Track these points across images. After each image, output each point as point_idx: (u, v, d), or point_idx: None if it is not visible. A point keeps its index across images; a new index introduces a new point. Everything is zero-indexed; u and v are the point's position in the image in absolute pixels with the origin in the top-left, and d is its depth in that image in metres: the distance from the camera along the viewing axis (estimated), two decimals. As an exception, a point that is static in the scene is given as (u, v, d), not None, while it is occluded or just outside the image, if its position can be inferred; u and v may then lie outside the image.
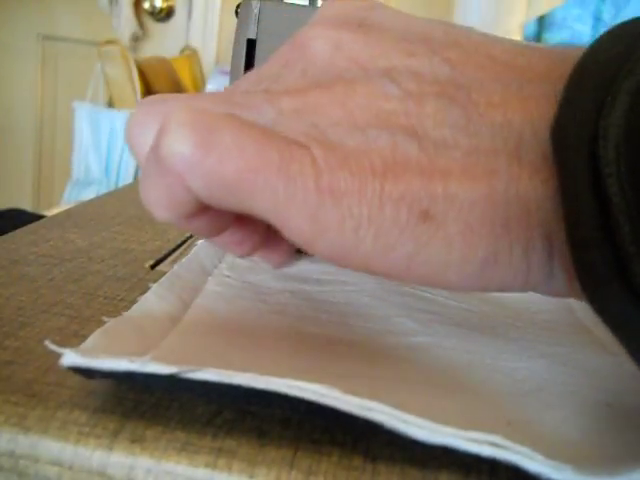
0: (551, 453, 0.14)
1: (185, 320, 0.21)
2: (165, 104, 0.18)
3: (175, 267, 0.25)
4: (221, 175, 0.15)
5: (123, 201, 0.41)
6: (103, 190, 1.79)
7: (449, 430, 0.14)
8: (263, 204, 0.16)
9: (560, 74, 0.16)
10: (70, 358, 0.16)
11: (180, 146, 0.15)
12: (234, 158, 0.15)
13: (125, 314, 0.20)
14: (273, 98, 0.17)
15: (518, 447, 0.14)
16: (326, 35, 0.18)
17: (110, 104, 2.02)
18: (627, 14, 2.11)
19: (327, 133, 0.16)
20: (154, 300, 0.22)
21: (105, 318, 0.19)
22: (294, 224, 0.16)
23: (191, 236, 0.34)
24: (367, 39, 0.17)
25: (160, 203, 0.17)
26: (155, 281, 0.23)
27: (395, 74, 0.17)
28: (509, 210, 0.15)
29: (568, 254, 0.15)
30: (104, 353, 0.16)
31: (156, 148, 0.16)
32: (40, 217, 0.55)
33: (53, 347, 0.16)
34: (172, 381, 0.16)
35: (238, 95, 0.17)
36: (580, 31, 2.23)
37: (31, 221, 0.34)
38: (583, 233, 0.14)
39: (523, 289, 0.16)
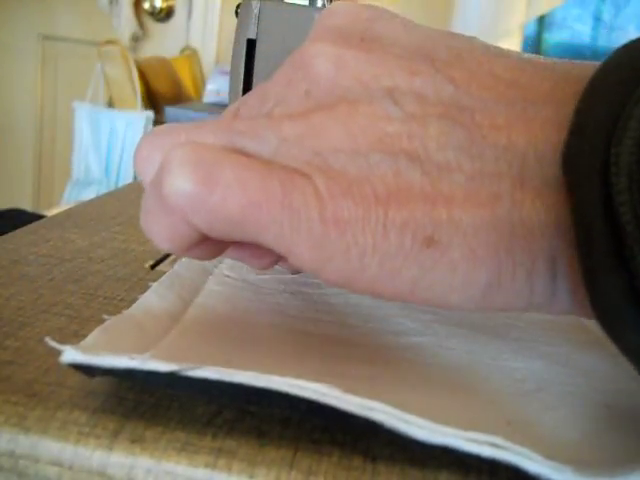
0: (551, 453, 0.14)
1: (185, 319, 0.21)
2: (170, 136, 0.18)
3: (175, 266, 0.25)
4: (225, 212, 0.15)
5: (123, 201, 0.41)
6: (103, 190, 1.79)
7: (449, 430, 0.14)
8: (268, 236, 0.16)
9: (564, 95, 0.16)
10: (70, 355, 0.16)
11: (183, 184, 0.15)
12: (237, 194, 0.15)
13: (125, 312, 0.20)
14: (275, 124, 0.17)
15: (518, 448, 0.14)
16: (329, 52, 0.17)
17: (110, 104, 2.02)
18: (627, 14, 2.11)
19: (329, 160, 0.16)
20: (154, 299, 0.22)
21: (105, 316, 0.19)
22: (300, 254, 0.16)
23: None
24: (370, 56, 0.17)
25: (162, 237, 0.17)
26: (155, 281, 0.23)
27: (398, 95, 0.16)
28: (513, 235, 0.15)
29: (579, 280, 0.15)
30: (104, 350, 0.16)
31: (158, 185, 0.16)
32: (40, 217, 0.55)
33: (53, 344, 0.16)
34: (172, 379, 0.16)
35: (240, 122, 0.17)
36: (580, 31, 2.23)
37: (31, 221, 0.34)
38: (596, 261, 0.14)
39: (526, 310, 0.16)
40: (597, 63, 0.16)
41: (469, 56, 0.17)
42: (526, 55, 0.18)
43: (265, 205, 0.15)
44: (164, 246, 0.17)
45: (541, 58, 0.17)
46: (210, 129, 0.18)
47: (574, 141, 0.15)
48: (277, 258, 0.21)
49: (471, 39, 0.18)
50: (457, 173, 0.15)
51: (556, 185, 0.15)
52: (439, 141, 0.16)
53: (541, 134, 0.15)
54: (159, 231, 0.17)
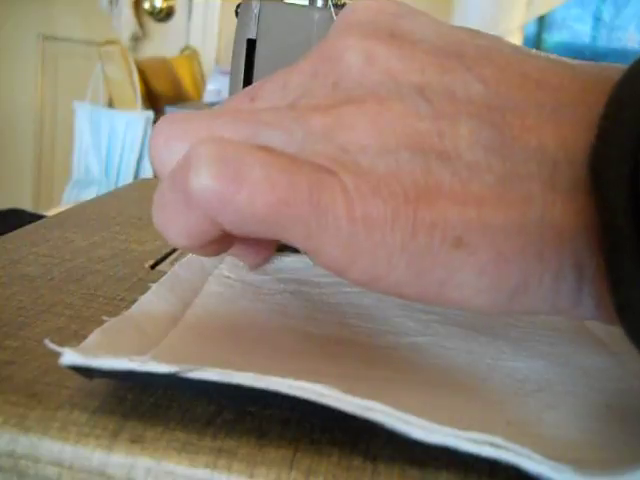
0: (551, 453, 0.14)
1: (185, 320, 0.21)
2: (189, 124, 0.18)
3: (175, 267, 0.25)
4: (252, 210, 0.15)
5: (123, 201, 0.41)
6: (103, 190, 1.79)
7: (449, 430, 0.14)
8: (294, 234, 0.16)
9: (595, 97, 0.16)
10: (69, 357, 0.16)
11: (210, 182, 0.15)
12: (265, 193, 0.15)
13: (125, 313, 0.20)
14: (302, 116, 0.16)
15: (518, 448, 0.14)
16: (359, 46, 0.17)
17: (110, 104, 2.02)
18: (627, 14, 2.11)
19: (357, 157, 0.16)
20: (154, 300, 0.22)
21: (105, 317, 0.19)
22: (326, 253, 0.16)
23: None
24: (401, 52, 0.17)
25: (179, 233, 0.17)
26: (155, 281, 0.23)
27: (429, 92, 0.16)
28: (542, 239, 0.15)
29: (605, 287, 0.14)
30: (104, 352, 0.16)
31: (182, 181, 0.16)
32: (40, 217, 0.55)
33: (52, 346, 0.16)
34: (172, 380, 0.16)
35: (265, 113, 0.17)
36: (580, 31, 2.23)
37: (31, 221, 0.34)
38: (623, 267, 0.14)
39: (549, 314, 0.16)
40: (624, 66, 0.16)
41: (498, 55, 0.17)
42: (554, 56, 0.17)
43: (293, 204, 0.15)
44: (180, 242, 0.17)
45: (569, 60, 0.17)
46: (231, 118, 0.17)
47: (601, 146, 0.14)
48: (271, 254, 0.21)
49: (499, 38, 0.18)
50: (487, 174, 0.15)
51: (586, 188, 0.15)
52: (469, 140, 0.15)
53: (571, 137, 0.15)
54: (177, 227, 0.17)
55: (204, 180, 0.15)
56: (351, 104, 0.16)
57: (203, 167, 0.15)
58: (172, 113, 0.19)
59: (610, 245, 0.14)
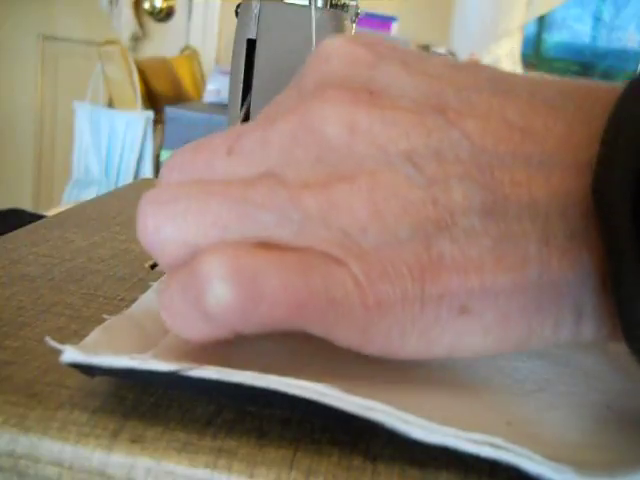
0: (551, 454, 0.14)
1: None
2: (176, 206, 0.17)
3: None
4: (273, 318, 0.16)
5: (123, 201, 0.41)
6: (103, 190, 1.79)
7: (449, 430, 0.14)
8: (313, 328, 0.16)
9: (579, 138, 0.16)
10: (70, 355, 0.16)
11: (229, 301, 0.15)
12: (284, 301, 0.15)
13: (125, 312, 0.20)
14: (294, 196, 0.16)
15: (518, 448, 0.14)
16: (339, 115, 0.16)
17: (110, 104, 2.02)
18: (627, 14, 2.11)
19: (359, 241, 0.16)
20: (155, 298, 0.22)
21: (105, 316, 0.19)
22: (344, 338, 0.16)
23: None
24: (382, 116, 0.16)
25: (192, 335, 0.17)
26: (155, 281, 0.23)
27: (416, 157, 0.16)
28: (542, 296, 0.16)
29: (604, 317, 0.16)
30: (104, 350, 0.16)
31: (198, 299, 0.16)
32: (40, 217, 0.55)
33: (53, 343, 0.16)
34: (172, 379, 0.16)
35: (255, 192, 0.16)
36: (580, 31, 2.23)
37: (31, 221, 0.34)
38: (628, 288, 0.14)
39: (548, 347, 0.18)
40: (605, 88, 0.16)
41: (479, 99, 0.17)
42: (534, 86, 0.17)
43: (310, 304, 0.15)
44: (192, 340, 0.17)
45: (551, 88, 0.17)
46: (220, 198, 0.16)
47: (602, 171, 0.15)
48: None
49: (475, 70, 0.17)
50: (484, 237, 0.16)
51: (579, 238, 0.15)
52: (463, 205, 0.16)
53: (561, 187, 0.15)
54: (191, 332, 0.17)
55: (222, 299, 0.15)
56: (342, 182, 0.16)
57: (218, 285, 0.15)
58: (147, 192, 0.17)
59: (614, 267, 0.15)
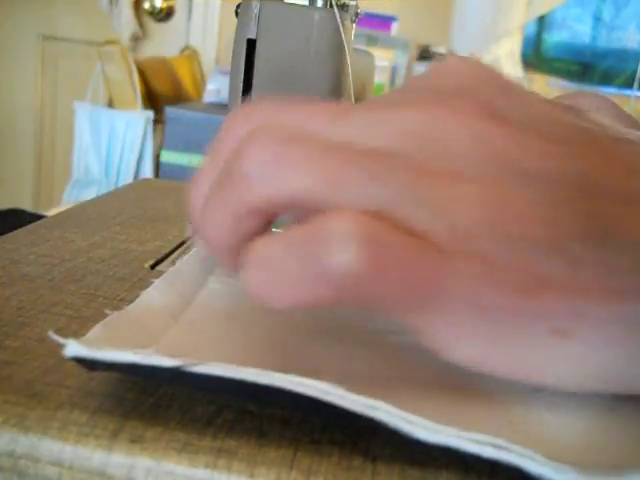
0: (552, 454, 0.14)
1: (185, 317, 0.21)
2: (295, 147, 0.16)
3: (177, 264, 0.25)
4: (391, 294, 0.15)
5: (123, 201, 0.41)
6: (103, 190, 1.78)
7: (452, 430, 0.14)
8: (409, 317, 0.16)
9: None
10: (73, 349, 0.15)
11: (359, 262, 0.14)
12: (413, 281, 0.15)
13: (127, 308, 0.20)
14: (415, 180, 0.16)
15: (520, 448, 0.14)
16: (471, 124, 0.16)
17: (110, 104, 2.01)
18: (627, 14, 2.11)
19: (478, 243, 0.16)
20: (156, 295, 0.22)
21: (107, 311, 0.19)
22: (438, 337, 0.17)
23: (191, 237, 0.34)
24: (511, 134, 0.16)
25: (286, 297, 0.15)
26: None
27: (536, 179, 0.16)
28: (638, 328, 0.16)
29: None
30: (105, 346, 0.16)
31: (322, 254, 0.15)
32: (40, 217, 0.55)
33: (56, 338, 0.16)
34: (175, 375, 0.15)
35: (372, 163, 0.16)
36: (580, 31, 2.23)
37: (31, 221, 0.34)
38: None
39: None
40: None
41: (598, 140, 0.17)
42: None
43: (425, 288, 0.15)
44: (281, 303, 0.16)
45: None
46: (338, 156, 0.16)
47: None
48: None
49: (598, 126, 0.18)
50: (593, 265, 0.16)
51: None
52: (577, 231, 0.16)
53: None
54: (284, 291, 0.15)
55: (353, 260, 0.14)
56: (466, 182, 0.16)
57: (352, 245, 0.14)
58: (268, 102, 0.17)
59: None
